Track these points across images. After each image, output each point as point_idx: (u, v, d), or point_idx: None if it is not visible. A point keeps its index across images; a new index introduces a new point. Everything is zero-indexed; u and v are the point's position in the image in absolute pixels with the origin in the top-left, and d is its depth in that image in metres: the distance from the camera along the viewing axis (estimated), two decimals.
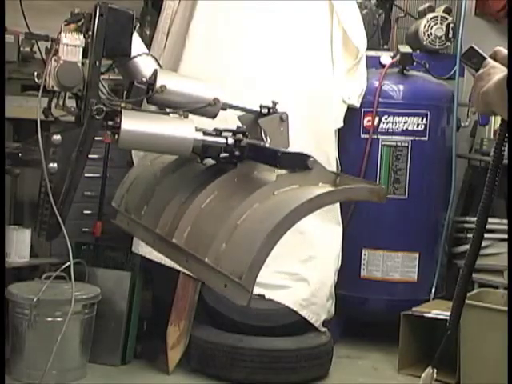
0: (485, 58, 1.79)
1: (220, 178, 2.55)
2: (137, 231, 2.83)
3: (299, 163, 2.50)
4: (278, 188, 2.41)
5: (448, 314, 2.03)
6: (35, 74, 2.55)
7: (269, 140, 2.70)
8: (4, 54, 2.51)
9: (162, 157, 2.75)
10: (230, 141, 2.58)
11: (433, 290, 3.98)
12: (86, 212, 3.98)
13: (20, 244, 3.54)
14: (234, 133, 2.71)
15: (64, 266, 3.23)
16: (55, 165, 2.56)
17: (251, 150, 2.56)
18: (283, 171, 2.49)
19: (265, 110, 2.73)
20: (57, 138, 2.56)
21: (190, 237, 2.45)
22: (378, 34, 4.40)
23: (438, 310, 3.59)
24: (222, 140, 2.57)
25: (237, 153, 2.56)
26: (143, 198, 2.73)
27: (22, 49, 3.97)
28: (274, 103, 2.74)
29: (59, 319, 3.20)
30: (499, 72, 1.70)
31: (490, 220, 1.88)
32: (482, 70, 1.75)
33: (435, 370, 2.02)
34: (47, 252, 3.82)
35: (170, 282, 3.56)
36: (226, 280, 2.17)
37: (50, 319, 3.24)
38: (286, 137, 2.72)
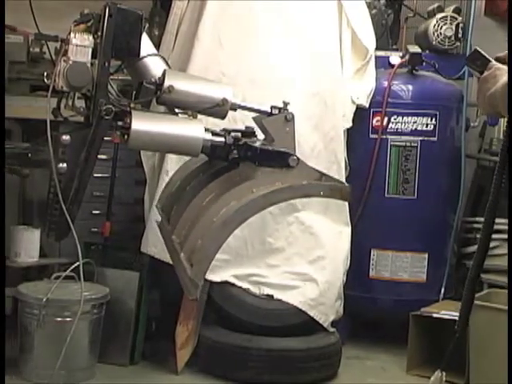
0: (489, 61, 1.80)
1: (220, 178, 2.56)
2: (163, 231, 2.85)
3: (279, 161, 2.51)
4: (259, 185, 2.41)
5: (457, 314, 2.02)
6: (45, 74, 2.56)
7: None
8: (4, 53, 2.52)
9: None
10: (229, 140, 2.58)
11: (442, 290, 3.96)
12: (94, 212, 3.98)
13: (29, 244, 3.55)
14: (243, 133, 2.72)
15: (73, 266, 3.23)
16: (64, 165, 2.57)
17: (247, 149, 2.57)
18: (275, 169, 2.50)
19: (275, 111, 2.73)
20: (66, 138, 2.57)
21: (186, 235, 2.46)
22: (387, 34, 4.39)
23: (447, 311, 3.57)
24: (221, 139, 2.58)
25: (235, 151, 2.56)
26: (174, 199, 2.75)
27: (31, 49, 3.98)
28: (285, 103, 2.74)
29: (68, 319, 3.21)
30: (505, 74, 1.70)
31: (497, 220, 1.88)
32: (487, 73, 1.76)
33: (444, 374, 2.02)
34: (56, 252, 3.82)
35: (178, 282, 3.55)
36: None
37: (59, 319, 3.24)
38: (291, 136, 2.71)
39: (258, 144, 2.64)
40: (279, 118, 2.72)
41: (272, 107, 2.75)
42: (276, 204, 2.47)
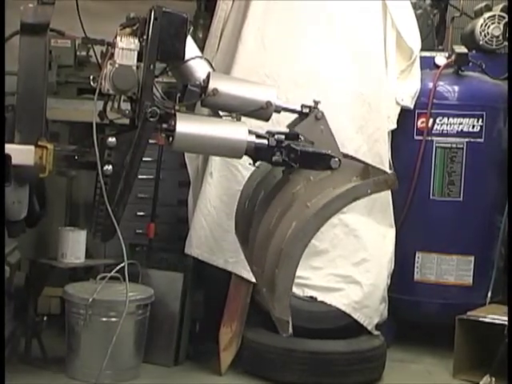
0: None
1: (278, 195, 2.57)
2: (246, 256, 2.89)
3: (321, 163, 2.50)
4: (311, 198, 2.41)
5: (505, 318, 1.99)
6: (91, 77, 2.60)
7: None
8: (4, 52, 2.56)
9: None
10: (272, 142, 2.58)
11: (489, 294, 3.90)
12: (139, 213, 4.03)
13: (75, 245, 3.59)
14: (287, 135, 2.71)
15: (118, 267, 3.27)
16: (110, 167, 2.59)
17: (289, 151, 2.56)
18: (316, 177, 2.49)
19: (306, 110, 2.72)
20: (112, 140, 2.59)
21: (262, 264, 2.48)
22: (433, 35, 4.35)
23: (495, 315, 3.51)
24: (264, 141, 2.58)
25: (278, 154, 2.56)
26: (247, 222, 2.78)
27: (78, 53, 4.04)
28: (316, 102, 2.72)
29: (114, 319, 3.24)
30: None
31: None
32: None
33: (493, 379, 1.98)
34: (102, 253, 3.87)
35: (222, 284, 3.57)
36: None
37: (104, 319, 3.28)
38: (328, 135, 2.69)
39: (300, 146, 2.63)
40: (309, 120, 2.70)
41: (302, 106, 2.73)
42: (331, 217, 2.47)
